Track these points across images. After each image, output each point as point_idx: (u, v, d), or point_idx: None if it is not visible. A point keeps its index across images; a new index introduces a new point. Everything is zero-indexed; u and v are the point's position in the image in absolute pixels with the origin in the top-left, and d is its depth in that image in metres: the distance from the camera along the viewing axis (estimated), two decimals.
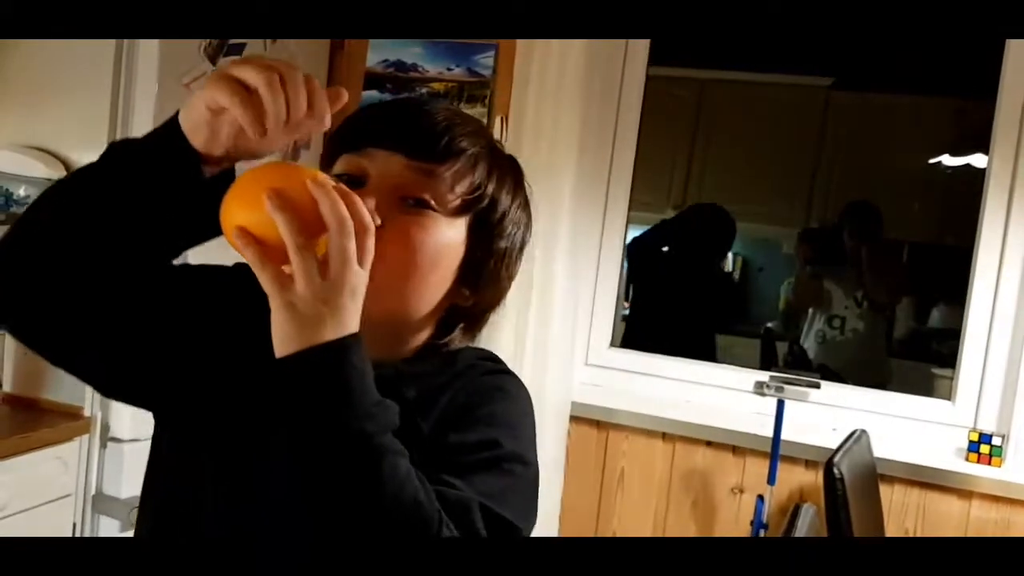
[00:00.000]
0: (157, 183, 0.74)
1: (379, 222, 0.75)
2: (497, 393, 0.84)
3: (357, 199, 0.68)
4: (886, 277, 3.42)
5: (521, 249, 0.89)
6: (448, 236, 0.81)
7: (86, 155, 1.76)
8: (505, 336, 2.15)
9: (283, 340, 0.67)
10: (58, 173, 1.75)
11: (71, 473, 1.73)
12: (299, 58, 2.18)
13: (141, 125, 1.79)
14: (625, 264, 3.67)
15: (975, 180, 2.17)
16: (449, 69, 2.30)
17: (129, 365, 0.82)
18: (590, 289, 2.36)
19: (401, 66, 2.33)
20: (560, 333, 2.17)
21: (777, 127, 4.60)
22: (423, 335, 0.86)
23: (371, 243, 0.68)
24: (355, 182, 0.79)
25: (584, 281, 2.31)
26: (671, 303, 3.41)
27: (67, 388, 1.76)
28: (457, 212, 0.81)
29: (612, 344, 2.42)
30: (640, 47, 2.32)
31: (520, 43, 2.15)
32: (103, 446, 1.79)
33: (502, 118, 2.22)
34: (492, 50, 2.27)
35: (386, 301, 0.78)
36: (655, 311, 3.44)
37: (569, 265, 2.17)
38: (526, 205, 0.90)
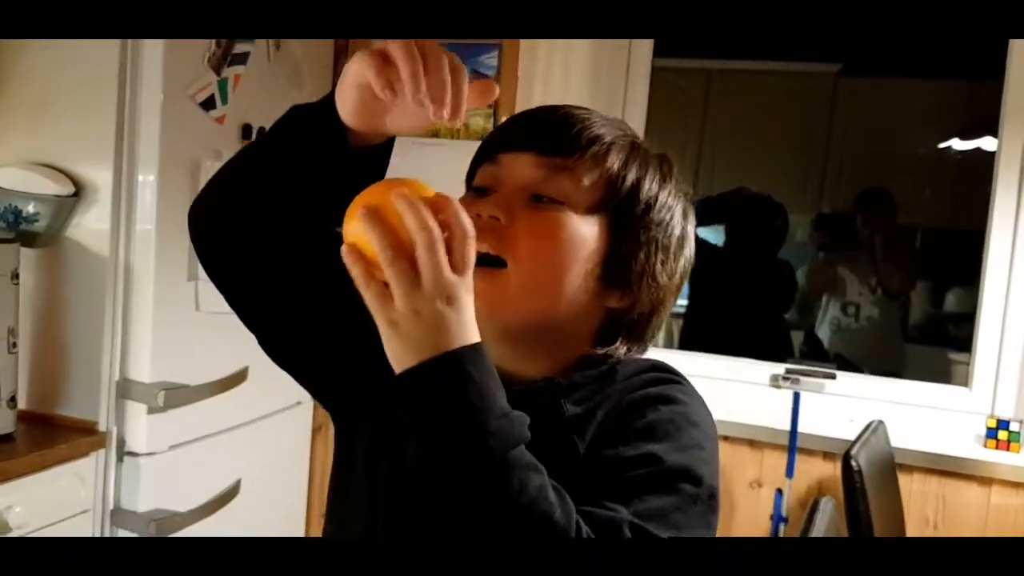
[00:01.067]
0: (310, 150, 0.77)
1: (503, 219, 0.76)
2: (659, 401, 0.76)
3: (455, 205, 0.65)
4: (899, 265, 3.39)
5: (680, 244, 0.82)
6: (581, 231, 0.77)
7: (93, 170, 1.79)
8: None
9: (394, 358, 0.65)
10: (66, 189, 1.76)
11: (89, 489, 1.74)
12: (303, 65, 2.18)
13: (147, 138, 1.79)
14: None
15: (986, 163, 2.15)
16: None
17: (307, 335, 0.86)
18: None
19: None
20: None
21: (787, 115, 4.58)
22: (581, 345, 0.81)
23: (470, 249, 0.65)
24: (485, 191, 0.80)
25: None
26: (731, 301, 3.34)
27: (81, 404, 1.77)
28: (592, 207, 0.78)
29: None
30: (645, 40, 2.31)
31: (523, 41, 2.14)
32: (119, 460, 1.80)
33: (508, 117, 2.21)
34: (496, 50, 2.26)
35: (523, 302, 0.76)
36: (715, 309, 3.35)
37: None
38: (678, 197, 0.83)
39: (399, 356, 0.64)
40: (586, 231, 0.78)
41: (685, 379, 0.82)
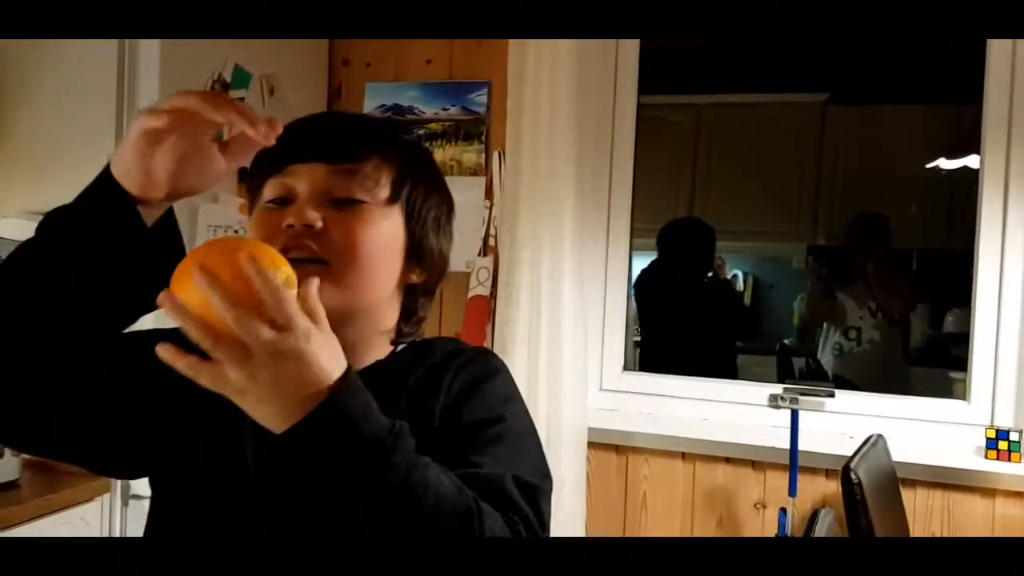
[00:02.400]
0: (98, 237, 0.78)
1: (319, 225, 0.82)
2: (491, 372, 0.91)
3: (257, 268, 0.68)
4: (897, 291, 3.42)
5: (450, 222, 0.96)
6: (386, 223, 0.87)
7: None
8: (518, 365, 2.16)
9: (265, 417, 0.68)
10: None
11: (95, 532, 1.75)
12: (296, 110, 2.23)
13: None
14: (633, 293, 3.71)
15: (975, 182, 2.18)
16: (444, 109, 2.34)
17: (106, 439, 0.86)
18: (599, 315, 2.38)
19: (398, 109, 2.38)
20: (572, 361, 2.18)
21: (776, 145, 4.64)
22: (392, 316, 0.92)
23: (286, 303, 0.68)
24: (285, 201, 0.85)
25: (593, 308, 2.33)
26: (678, 326, 3.42)
27: None
28: (387, 200, 0.88)
29: (625, 368, 2.43)
30: (629, 77, 2.36)
31: (511, 79, 2.19)
32: (124, 504, 1.81)
33: (499, 152, 2.26)
34: (485, 88, 2.32)
35: (348, 292, 0.84)
36: (667, 338, 3.45)
37: (576, 293, 2.19)
38: (441, 181, 0.96)
39: (269, 414, 0.68)
40: (389, 223, 0.88)
41: (487, 348, 0.99)
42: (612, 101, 2.36)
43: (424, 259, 0.92)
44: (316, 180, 0.85)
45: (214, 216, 1.96)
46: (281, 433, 0.68)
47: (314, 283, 0.71)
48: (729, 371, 3.49)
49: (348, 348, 0.85)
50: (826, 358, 3.57)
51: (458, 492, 0.72)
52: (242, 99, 2.03)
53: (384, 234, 0.87)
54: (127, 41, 1.82)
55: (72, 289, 0.78)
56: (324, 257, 0.83)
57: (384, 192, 0.87)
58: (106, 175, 0.79)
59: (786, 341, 4.55)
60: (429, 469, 0.72)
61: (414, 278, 0.92)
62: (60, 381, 0.82)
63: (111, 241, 0.78)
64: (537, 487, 0.82)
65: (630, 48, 2.36)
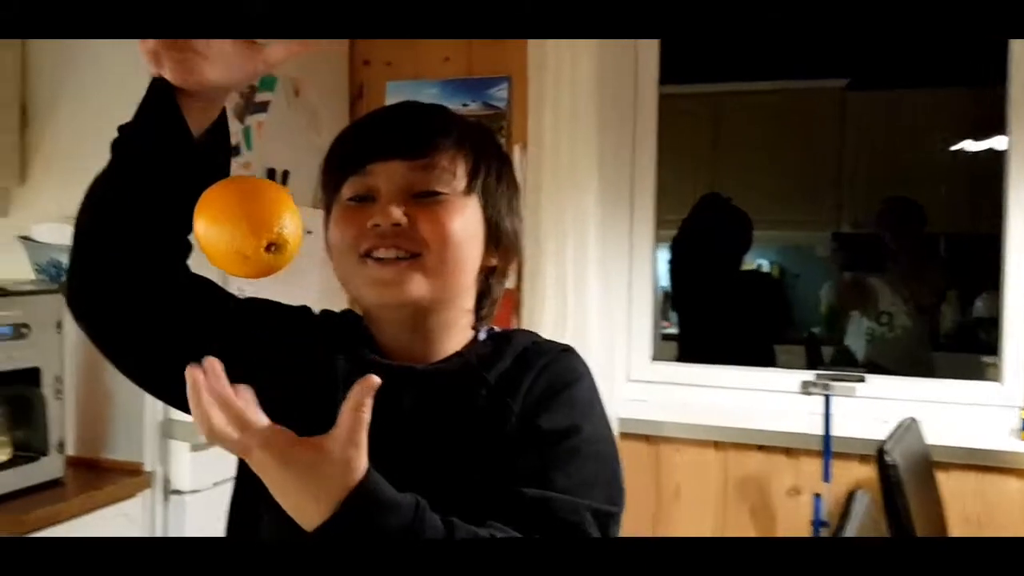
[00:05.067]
0: (152, 133, 0.84)
1: (405, 222, 0.84)
2: (573, 377, 0.90)
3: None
4: (927, 276, 3.39)
5: (519, 199, 0.97)
6: (467, 212, 0.89)
7: None
8: None
9: (296, 510, 0.71)
10: None
11: (137, 528, 1.78)
12: (320, 110, 2.26)
13: None
14: (664, 284, 3.68)
15: (1001, 163, 2.17)
16: (465, 105, 2.35)
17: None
18: (625, 306, 2.38)
19: None
20: (599, 351, 2.19)
21: (797, 132, 4.62)
22: (471, 300, 0.94)
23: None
24: (365, 198, 0.87)
25: (618, 298, 2.33)
26: (714, 315, 3.37)
27: (126, 446, 1.82)
28: (465, 189, 0.89)
29: (654, 358, 2.44)
30: (650, 67, 2.36)
31: (532, 72, 2.19)
32: (165, 499, 1.84)
33: (521, 146, 2.27)
34: (505, 83, 2.33)
35: (444, 285, 0.87)
36: (702, 327, 3.39)
37: (601, 284, 2.19)
38: (508, 160, 0.97)
39: (302, 508, 0.71)
40: (468, 210, 0.89)
41: (569, 346, 0.95)
42: (633, 92, 2.36)
43: (501, 242, 0.93)
44: (396, 177, 0.86)
45: None
46: (311, 529, 0.71)
47: (372, 385, 0.71)
48: (767, 361, 3.45)
49: (429, 335, 0.91)
50: (856, 344, 3.55)
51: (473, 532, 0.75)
52: (267, 102, 2.06)
53: (467, 222, 0.88)
54: None
55: (138, 192, 0.85)
56: (415, 250, 0.85)
57: (462, 183, 0.88)
58: (154, 82, 0.84)
59: (814, 330, 4.53)
60: (458, 531, 0.74)
61: (493, 261, 0.93)
62: (151, 287, 0.88)
63: (157, 137, 0.84)
64: (611, 514, 0.82)
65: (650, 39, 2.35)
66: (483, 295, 0.94)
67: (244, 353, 0.89)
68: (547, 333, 2.11)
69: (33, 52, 1.88)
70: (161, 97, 0.83)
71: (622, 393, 2.33)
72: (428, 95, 2.39)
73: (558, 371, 0.89)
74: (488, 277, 0.94)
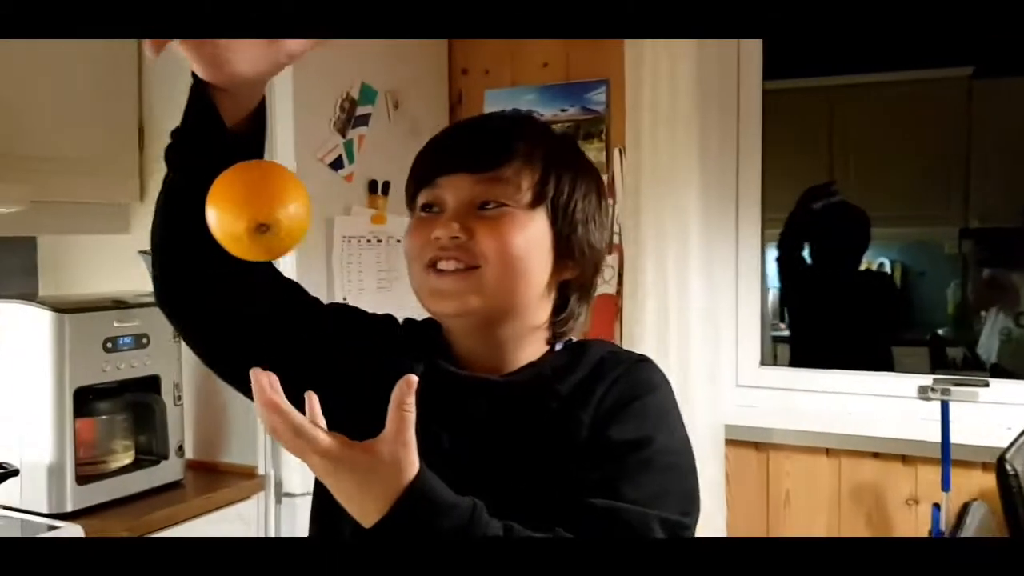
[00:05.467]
0: (197, 135, 0.84)
1: (462, 234, 0.85)
2: (646, 387, 0.90)
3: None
4: None
5: (601, 209, 0.95)
6: (532, 225, 0.89)
7: None
8: None
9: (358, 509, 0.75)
10: None
11: (251, 528, 1.86)
12: (421, 120, 2.30)
13: None
14: (777, 284, 3.58)
15: None
16: (564, 110, 2.36)
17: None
18: (731, 309, 2.33)
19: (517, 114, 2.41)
20: (703, 357, 2.15)
21: (919, 125, 4.41)
22: (545, 313, 0.93)
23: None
24: (436, 210, 0.90)
25: (724, 302, 2.28)
26: (828, 317, 3.27)
27: (242, 450, 1.90)
28: (531, 203, 0.89)
29: (763, 362, 2.37)
30: (753, 62, 2.30)
31: (629, 75, 2.18)
32: (278, 501, 1.91)
33: (619, 150, 2.26)
34: (603, 86, 2.32)
35: (503, 297, 0.88)
36: (813, 330, 3.30)
37: (705, 287, 2.15)
38: (589, 170, 0.96)
39: (361, 510, 0.74)
40: (534, 225, 0.89)
41: (646, 356, 0.95)
42: (736, 89, 2.30)
43: (575, 254, 0.92)
44: (461, 190, 0.88)
45: (347, 227, 2.05)
46: (368, 528, 0.74)
47: (411, 384, 0.74)
48: (885, 365, 3.32)
49: (501, 346, 0.92)
50: (990, 344, 3.37)
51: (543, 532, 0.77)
52: (368, 115, 2.12)
53: (531, 235, 0.88)
54: None
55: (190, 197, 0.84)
56: (474, 263, 0.86)
57: (527, 195, 0.89)
58: (194, 79, 0.84)
59: (939, 331, 4.32)
60: (516, 533, 0.76)
61: (567, 274, 0.93)
62: (231, 290, 0.90)
63: (197, 136, 0.84)
64: (682, 525, 0.82)
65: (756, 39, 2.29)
66: (559, 308, 0.94)
67: (324, 357, 0.93)
68: (648, 338, 2.13)
69: (149, 72, 1.99)
70: (198, 95, 0.84)
71: (730, 399, 2.27)
72: (526, 101, 2.41)
73: (632, 382, 0.89)
74: (565, 290, 0.93)
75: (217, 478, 1.87)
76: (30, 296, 1.90)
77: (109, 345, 1.67)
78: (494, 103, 2.44)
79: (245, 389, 0.97)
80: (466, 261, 0.86)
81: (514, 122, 0.95)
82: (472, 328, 0.91)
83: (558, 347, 0.94)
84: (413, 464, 0.73)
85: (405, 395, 0.72)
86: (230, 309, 0.91)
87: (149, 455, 1.79)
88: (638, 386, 0.88)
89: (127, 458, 1.75)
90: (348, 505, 0.74)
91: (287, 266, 1.97)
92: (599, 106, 2.33)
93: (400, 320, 1.03)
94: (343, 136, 2.05)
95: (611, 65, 2.28)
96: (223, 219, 0.75)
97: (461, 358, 0.93)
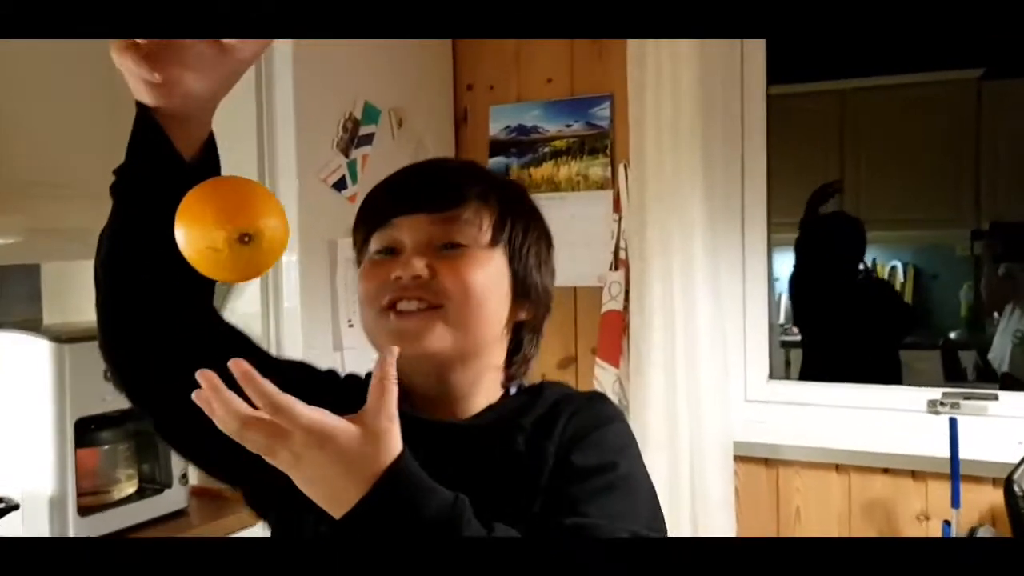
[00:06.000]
0: (140, 168, 0.82)
1: (426, 274, 0.85)
2: (604, 419, 0.92)
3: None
4: None
5: (550, 254, 0.98)
6: (491, 265, 0.89)
7: None
8: (655, 379, 2.13)
9: (325, 499, 0.71)
10: None
11: None
12: (425, 138, 2.29)
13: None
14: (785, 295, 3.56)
15: None
16: (568, 125, 2.35)
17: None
18: (739, 323, 2.31)
19: (522, 130, 2.40)
20: (711, 371, 2.13)
21: (930, 127, 4.38)
22: (501, 355, 0.94)
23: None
24: (391, 251, 0.88)
25: (732, 316, 2.26)
26: (835, 329, 3.26)
27: None
28: (491, 243, 0.90)
29: (771, 376, 2.35)
30: (757, 69, 2.27)
31: (632, 90, 2.16)
32: None
33: (624, 165, 2.24)
34: (607, 101, 2.31)
35: (466, 337, 0.87)
36: (824, 343, 3.30)
37: (711, 302, 2.13)
38: (539, 216, 0.98)
39: (337, 492, 0.70)
40: (493, 262, 0.90)
41: (602, 393, 1.00)
42: (740, 100, 2.28)
43: (530, 295, 0.94)
44: (420, 231, 0.88)
45: (351, 249, 2.03)
46: (341, 515, 0.70)
47: (392, 355, 0.72)
48: (892, 373, 3.31)
49: (460, 389, 0.91)
50: (1003, 347, 3.34)
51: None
52: (372, 134, 2.11)
53: (490, 275, 0.89)
54: (263, 82, 1.91)
55: (139, 233, 0.82)
56: (437, 302, 0.86)
57: (486, 236, 0.89)
58: (138, 106, 0.81)
59: (951, 335, 4.29)
60: (498, 530, 0.74)
61: (522, 315, 0.94)
62: (178, 335, 0.86)
63: (150, 171, 0.81)
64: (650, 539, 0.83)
65: (756, 40, 2.27)
66: (514, 351, 0.95)
67: None
68: (656, 354, 2.11)
69: None
70: (147, 126, 0.81)
71: (738, 414, 2.25)
72: (531, 116, 2.40)
73: (590, 415, 0.91)
74: (519, 332, 0.94)
75: (222, 505, 1.86)
76: (34, 322, 1.90)
77: (110, 375, 1.66)
78: (499, 119, 2.43)
79: (189, 449, 0.93)
80: (429, 300, 0.85)
81: (467, 165, 0.97)
82: (431, 370, 0.89)
83: (512, 390, 0.95)
84: (398, 441, 0.70)
85: (389, 366, 0.70)
86: (177, 358, 0.83)
87: (152, 484, 1.79)
88: (596, 418, 0.90)
89: (130, 487, 1.74)
90: (321, 489, 0.70)
91: (291, 288, 1.97)
92: (603, 121, 2.31)
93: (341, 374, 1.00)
94: (346, 156, 2.05)
95: (615, 80, 2.27)
96: (200, 232, 0.70)
97: (417, 404, 0.90)
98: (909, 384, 2.40)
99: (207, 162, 0.84)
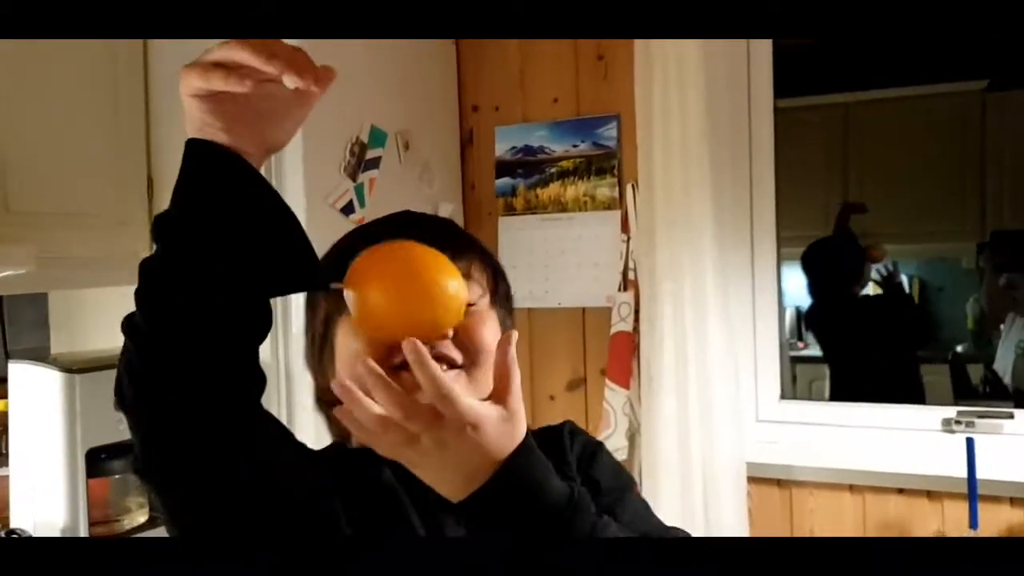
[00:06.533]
0: (223, 197, 0.72)
1: (451, 334, 0.84)
2: (598, 443, 1.02)
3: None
4: None
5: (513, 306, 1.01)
6: (492, 322, 0.91)
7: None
8: (666, 401, 2.12)
9: (444, 487, 0.74)
10: None
11: None
12: (431, 161, 2.29)
13: None
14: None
15: None
16: (575, 146, 2.34)
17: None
18: (750, 343, 2.30)
19: (529, 150, 2.40)
20: (723, 392, 2.11)
21: (935, 140, 4.38)
22: None
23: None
24: None
25: (742, 336, 2.25)
26: (851, 348, 3.28)
27: None
28: (491, 302, 0.92)
29: (783, 396, 2.34)
30: (764, 84, 2.26)
31: (639, 109, 2.15)
32: None
33: (632, 185, 2.23)
34: (614, 121, 2.30)
35: (482, 392, 0.85)
36: (845, 362, 3.32)
37: (722, 323, 2.12)
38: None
39: (443, 484, 0.73)
40: (493, 320, 0.91)
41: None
42: (747, 113, 2.27)
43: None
44: None
45: None
46: (457, 503, 0.72)
47: (513, 339, 0.76)
48: (915, 388, 3.32)
49: None
50: (1006, 359, 3.33)
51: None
52: (379, 158, 2.10)
53: (496, 332, 0.90)
54: None
55: (221, 272, 0.73)
56: (458, 362, 0.85)
57: (488, 295, 0.91)
58: (199, 145, 0.73)
59: (959, 348, 4.27)
60: (609, 528, 0.75)
61: None
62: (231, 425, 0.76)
63: (233, 192, 0.73)
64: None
65: (763, 54, 2.26)
66: None
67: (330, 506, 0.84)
68: (668, 375, 2.10)
69: (157, 123, 1.98)
70: (216, 159, 0.73)
71: (750, 435, 2.24)
72: (537, 137, 2.39)
73: (584, 438, 0.99)
74: None
75: None
76: (41, 351, 1.89)
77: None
78: (505, 140, 2.42)
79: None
80: (453, 360, 0.85)
81: (445, 219, 0.99)
82: None
83: None
84: (524, 423, 0.74)
85: (509, 345, 0.74)
86: (228, 452, 0.76)
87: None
88: (592, 441, 0.99)
89: (141, 516, 1.73)
90: (452, 474, 0.72)
91: (301, 312, 1.95)
92: (610, 141, 2.31)
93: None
94: (354, 180, 2.04)
95: (621, 99, 2.26)
96: (428, 311, 0.75)
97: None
98: (918, 399, 2.38)
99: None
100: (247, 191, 0.74)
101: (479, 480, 0.71)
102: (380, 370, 0.70)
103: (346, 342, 0.87)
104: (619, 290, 2.23)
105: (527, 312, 2.39)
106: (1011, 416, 2.02)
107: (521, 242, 2.38)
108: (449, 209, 2.34)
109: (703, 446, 2.11)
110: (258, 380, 0.80)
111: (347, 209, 2.02)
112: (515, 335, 0.75)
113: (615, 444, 2.17)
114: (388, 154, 2.14)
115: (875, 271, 3.71)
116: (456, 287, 0.76)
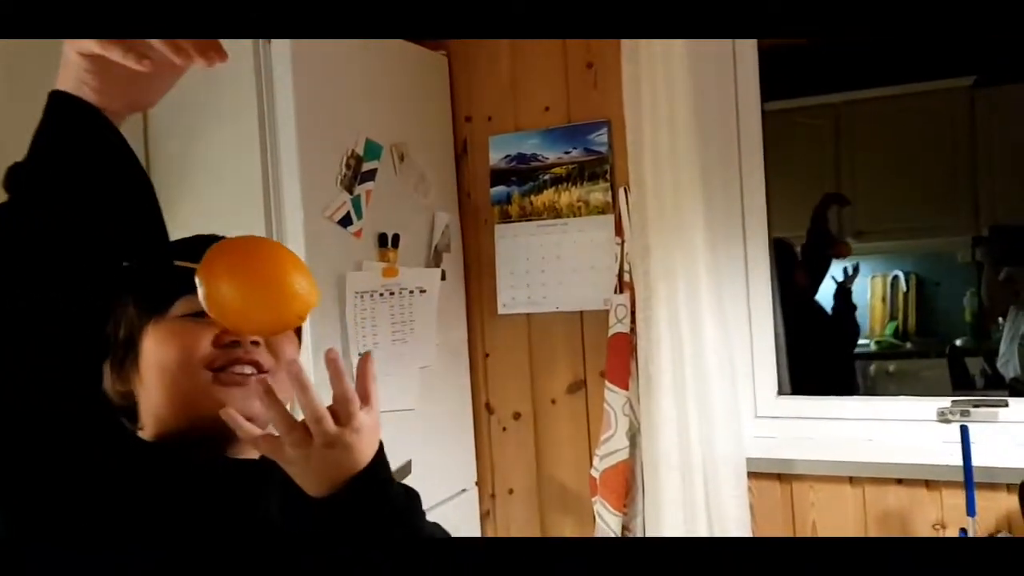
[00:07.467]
0: (79, 149, 0.74)
1: (261, 341, 0.91)
2: None
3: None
4: None
5: None
6: (293, 336, 1.02)
7: None
8: (665, 401, 2.14)
9: (309, 486, 0.83)
10: None
11: None
12: (427, 172, 2.32)
13: None
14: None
15: None
16: (567, 152, 2.38)
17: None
18: (746, 340, 2.33)
19: (522, 158, 2.43)
20: (720, 390, 2.14)
21: (925, 136, 4.41)
22: None
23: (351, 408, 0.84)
24: (201, 315, 0.85)
25: (738, 333, 2.28)
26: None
27: None
28: None
29: (780, 392, 2.36)
30: (751, 87, 2.30)
31: (628, 115, 2.19)
32: None
33: (624, 189, 2.27)
34: (605, 127, 2.34)
35: (285, 400, 0.91)
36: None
37: (716, 322, 2.15)
38: None
39: (310, 484, 0.82)
40: (292, 334, 1.00)
41: None
42: (735, 114, 2.31)
43: None
44: None
45: (359, 283, 2.06)
46: (319, 499, 0.82)
47: (370, 360, 0.85)
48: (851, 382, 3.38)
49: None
50: (1009, 351, 3.34)
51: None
52: (375, 170, 2.14)
53: (295, 347, 0.99)
54: (266, 116, 1.94)
55: (73, 217, 0.75)
56: (266, 367, 0.91)
57: None
58: (61, 97, 0.75)
59: (957, 342, 4.29)
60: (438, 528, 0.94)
61: None
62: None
63: (93, 149, 0.75)
64: None
65: (749, 58, 2.30)
66: None
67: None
68: (666, 375, 2.13)
69: (153, 128, 2.01)
70: (75, 108, 0.75)
71: (749, 431, 2.26)
72: (530, 145, 2.43)
73: None
74: None
75: None
76: None
77: None
78: (499, 149, 2.46)
79: None
80: (262, 366, 0.91)
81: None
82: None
83: None
84: (378, 434, 0.85)
85: (368, 365, 0.85)
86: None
87: None
88: None
89: None
90: (316, 478, 0.81)
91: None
92: (602, 147, 2.34)
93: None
94: (350, 193, 2.07)
95: (611, 106, 2.30)
96: (273, 305, 0.79)
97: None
98: (917, 393, 2.40)
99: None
100: (106, 150, 0.77)
101: (337, 486, 0.81)
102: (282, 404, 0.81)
103: (154, 348, 0.88)
104: (615, 292, 2.26)
105: (526, 317, 2.43)
106: (1005, 404, 2.05)
107: (518, 248, 2.42)
108: (446, 218, 2.37)
109: (703, 443, 2.14)
110: (97, 346, 0.88)
111: (344, 221, 2.06)
112: (369, 355, 0.86)
113: (616, 444, 2.20)
114: (384, 166, 2.18)
115: (842, 269, 3.76)
116: (306, 286, 0.80)
